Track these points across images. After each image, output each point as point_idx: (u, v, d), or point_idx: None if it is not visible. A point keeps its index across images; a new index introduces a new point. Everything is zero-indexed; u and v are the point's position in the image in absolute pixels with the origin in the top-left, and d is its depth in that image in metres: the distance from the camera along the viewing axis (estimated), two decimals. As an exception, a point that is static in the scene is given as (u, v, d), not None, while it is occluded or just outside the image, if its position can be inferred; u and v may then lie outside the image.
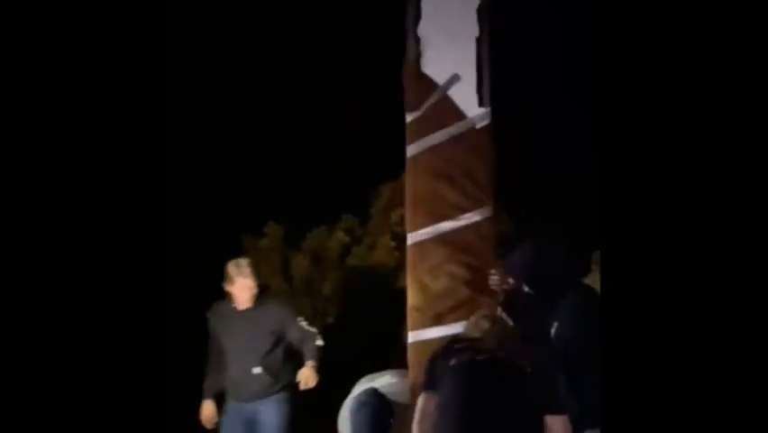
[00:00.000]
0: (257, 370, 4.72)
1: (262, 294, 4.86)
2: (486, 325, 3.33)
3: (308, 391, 4.64)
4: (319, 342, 4.73)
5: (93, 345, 2.45)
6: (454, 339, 3.40)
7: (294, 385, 4.76)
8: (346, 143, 4.80)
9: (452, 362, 3.19)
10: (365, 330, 4.47)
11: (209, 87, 4.64)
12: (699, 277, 2.40)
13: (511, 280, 3.83)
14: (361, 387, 4.31)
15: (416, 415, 3.30)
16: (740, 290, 2.37)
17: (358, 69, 4.62)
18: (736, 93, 2.43)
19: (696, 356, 2.39)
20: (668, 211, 2.46)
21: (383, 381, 4.29)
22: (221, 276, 4.72)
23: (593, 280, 5.13)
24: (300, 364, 4.70)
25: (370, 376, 4.37)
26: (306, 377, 4.64)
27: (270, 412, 4.76)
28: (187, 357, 4.77)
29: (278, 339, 4.79)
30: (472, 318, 3.44)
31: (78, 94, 2.51)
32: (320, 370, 4.56)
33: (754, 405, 2.34)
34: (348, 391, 4.25)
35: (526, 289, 3.62)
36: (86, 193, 2.49)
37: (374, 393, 4.25)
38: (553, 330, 3.54)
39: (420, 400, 3.29)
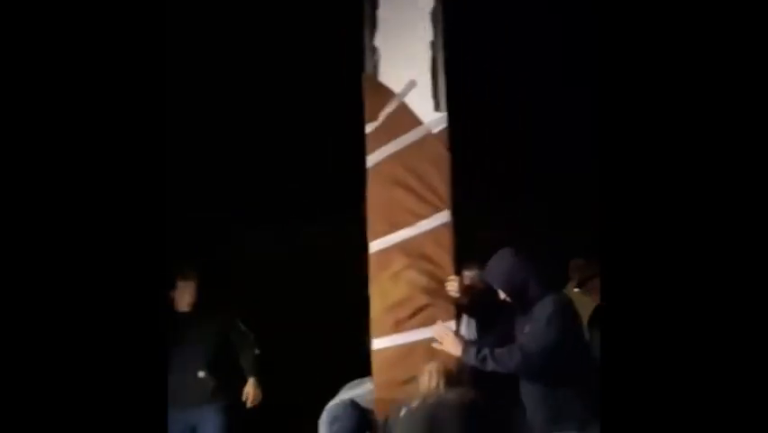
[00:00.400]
0: (201, 374, 4.64)
1: (206, 297, 4.78)
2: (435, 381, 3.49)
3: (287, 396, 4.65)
4: (256, 351, 4.67)
5: (93, 344, 2.42)
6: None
7: (238, 393, 4.71)
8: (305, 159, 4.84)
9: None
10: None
11: (209, 88, 4.62)
12: (698, 278, 2.37)
13: (468, 280, 3.88)
14: (339, 397, 4.31)
15: None
16: (739, 290, 2.34)
17: (317, 81, 4.63)
18: (731, 93, 2.40)
19: (695, 358, 2.35)
20: (663, 213, 2.43)
21: (364, 388, 4.29)
22: (220, 276, 4.72)
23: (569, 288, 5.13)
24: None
25: (353, 383, 4.36)
26: (251, 394, 4.61)
27: (210, 424, 4.65)
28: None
29: (222, 343, 4.73)
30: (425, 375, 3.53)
31: (79, 94, 2.48)
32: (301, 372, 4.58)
33: (753, 405, 2.30)
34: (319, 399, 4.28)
35: (503, 296, 3.62)
36: (86, 193, 2.46)
37: (350, 405, 4.21)
38: (524, 335, 3.54)
39: None
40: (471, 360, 3.53)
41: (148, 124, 2.59)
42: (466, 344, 3.57)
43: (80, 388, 2.39)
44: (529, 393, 3.62)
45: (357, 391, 4.26)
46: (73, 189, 2.46)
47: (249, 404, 4.63)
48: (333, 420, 4.21)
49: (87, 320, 2.42)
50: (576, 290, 4.88)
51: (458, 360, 3.58)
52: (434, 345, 3.62)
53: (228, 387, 4.67)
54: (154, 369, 2.53)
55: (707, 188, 2.40)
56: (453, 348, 3.54)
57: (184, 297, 4.69)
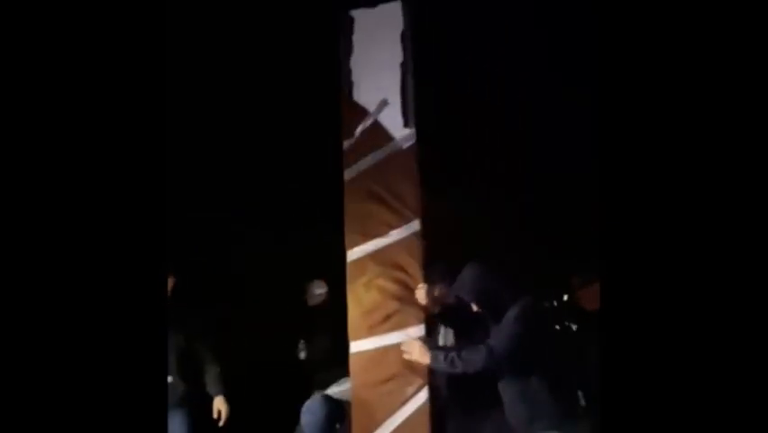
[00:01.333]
0: (169, 378, 4.55)
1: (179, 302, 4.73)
2: None
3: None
4: (217, 369, 4.64)
5: (94, 344, 2.42)
6: None
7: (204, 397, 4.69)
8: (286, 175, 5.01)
9: None
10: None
11: (209, 89, 4.73)
12: (698, 279, 2.36)
13: (437, 292, 4.02)
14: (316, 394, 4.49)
15: None
16: (740, 292, 2.33)
17: (298, 100, 4.79)
18: (730, 93, 2.38)
19: (695, 360, 2.35)
20: (662, 215, 2.42)
21: (341, 386, 4.42)
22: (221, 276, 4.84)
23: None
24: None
25: (337, 382, 4.48)
26: (222, 412, 4.59)
27: (178, 429, 4.59)
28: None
29: (190, 351, 4.70)
30: None
31: (80, 95, 2.48)
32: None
33: (752, 406, 2.30)
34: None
35: (476, 308, 3.74)
36: (87, 193, 2.46)
37: (321, 398, 4.40)
38: (492, 340, 3.67)
39: None
40: (441, 364, 3.65)
41: (148, 125, 2.58)
42: (433, 351, 3.69)
43: (80, 387, 2.40)
44: (507, 395, 3.73)
45: (331, 389, 4.45)
46: (74, 190, 2.45)
47: (221, 423, 4.60)
48: (306, 411, 4.40)
49: (88, 320, 2.42)
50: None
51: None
52: (405, 356, 3.74)
53: (197, 393, 4.64)
54: (154, 369, 2.53)
55: (707, 189, 2.38)
56: (421, 357, 3.68)
57: None
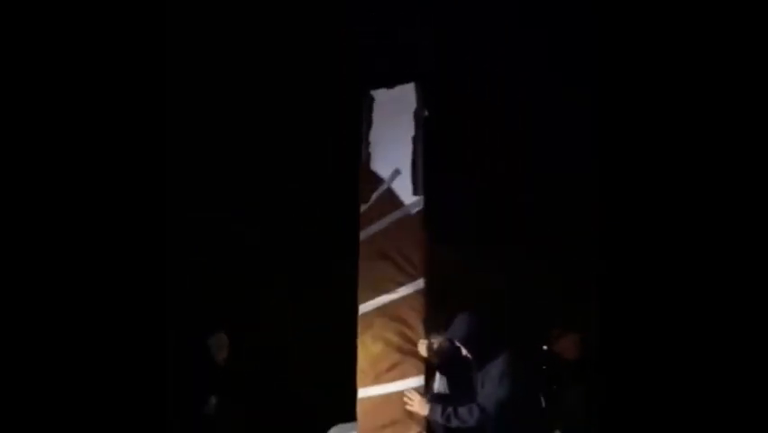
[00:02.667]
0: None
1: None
2: None
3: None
4: None
5: (95, 344, 2.40)
6: None
7: None
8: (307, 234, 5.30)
9: None
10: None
11: (210, 91, 4.97)
12: (699, 281, 2.33)
13: (437, 345, 4.23)
14: None
15: None
16: (738, 287, 2.29)
17: (322, 169, 5.16)
18: (730, 93, 2.34)
19: (695, 363, 2.32)
20: (661, 219, 2.39)
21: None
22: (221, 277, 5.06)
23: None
24: None
25: (340, 427, 4.61)
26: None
27: None
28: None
29: None
30: None
31: (81, 96, 2.47)
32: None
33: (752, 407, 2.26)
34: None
35: (465, 352, 3.96)
36: (87, 194, 2.44)
37: None
38: (481, 394, 3.87)
39: None
40: (438, 418, 3.87)
41: (148, 125, 2.57)
42: (432, 404, 3.90)
43: (81, 387, 2.39)
44: None
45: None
46: (75, 191, 2.42)
47: None
48: None
49: (89, 320, 2.40)
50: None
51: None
52: (407, 406, 3.95)
53: None
54: (155, 369, 2.52)
55: (707, 191, 2.34)
56: (421, 409, 3.91)
57: None
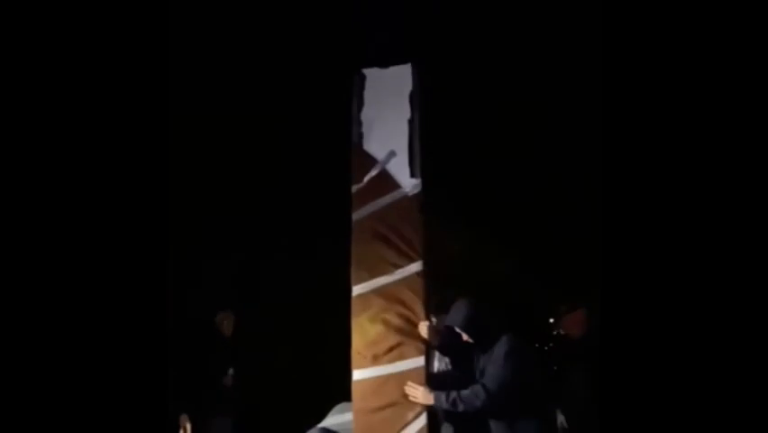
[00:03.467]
0: None
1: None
2: None
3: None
4: None
5: (96, 344, 2.37)
6: None
7: None
8: (298, 214, 5.22)
9: None
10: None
11: (200, 67, 4.85)
12: (699, 281, 2.31)
13: (438, 326, 4.23)
14: (320, 424, 4.55)
15: None
16: (738, 286, 2.27)
17: (314, 149, 5.05)
18: (731, 94, 2.31)
19: (696, 365, 2.30)
20: (663, 220, 2.36)
21: (343, 418, 4.46)
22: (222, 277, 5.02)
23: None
24: None
25: (339, 407, 4.56)
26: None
27: None
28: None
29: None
30: None
31: (84, 98, 2.43)
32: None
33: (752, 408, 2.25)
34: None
35: (466, 337, 3.98)
36: (90, 196, 2.41)
37: (320, 430, 4.53)
38: (485, 372, 3.89)
39: None
40: (443, 404, 3.87)
41: (152, 129, 2.52)
42: (436, 393, 3.89)
43: (83, 387, 2.36)
44: (495, 425, 3.92)
45: (335, 419, 4.56)
46: (77, 192, 2.39)
47: None
48: None
49: (90, 320, 2.36)
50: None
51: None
52: (411, 398, 3.92)
53: None
54: (155, 369, 2.49)
55: (709, 193, 2.32)
56: (426, 399, 3.89)
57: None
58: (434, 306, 4.18)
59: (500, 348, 3.85)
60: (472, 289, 4.04)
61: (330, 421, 4.58)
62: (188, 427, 5.19)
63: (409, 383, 3.95)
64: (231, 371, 5.36)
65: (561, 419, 4.03)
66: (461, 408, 3.79)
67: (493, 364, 3.85)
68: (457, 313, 3.97)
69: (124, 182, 2.49)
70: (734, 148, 2.32)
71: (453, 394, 3.80)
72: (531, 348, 4.15)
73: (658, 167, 2.39)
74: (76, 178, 2.41)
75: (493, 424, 3.90)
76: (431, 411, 3.99)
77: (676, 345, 2.35)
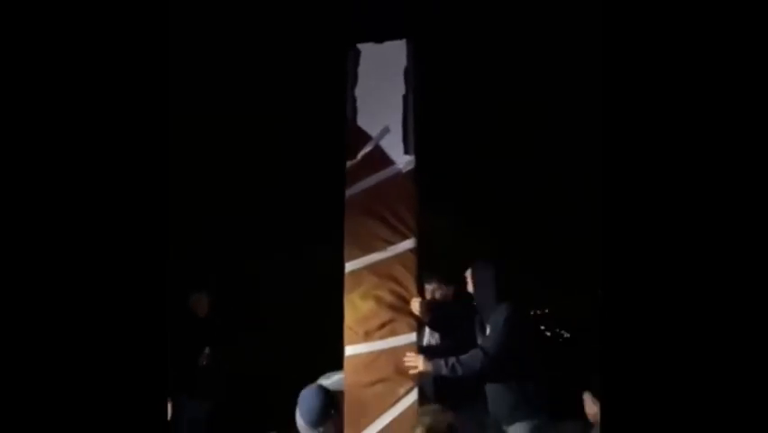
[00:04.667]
0: None
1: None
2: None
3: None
4: None
5: (96, 345, 2.33)
6: None
7: None
8: (290, 190, 5.14)
9: None
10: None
11: (225, 108, 4.80)
12: (700, 280, 2.27)
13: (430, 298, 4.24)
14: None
15: None
16: (738, 285, 2.24)
17: (307, 125, 4.96)
18: (728, 97, 2.27)
19: (696, 365, 2.26)
20: (664, 217, 2.31)
21: (337, 377, 4.45)
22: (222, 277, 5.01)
23: None
24: None
25: (329, 373, 4.59)
26: None
27: None
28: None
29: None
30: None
31: (83, 97, 2.38)
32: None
33: (752, 408, 2.21)
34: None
35: (471, 287, 4.11)
36: (90, 196, 2.37)
37: (317, 388, 4.46)
38: (484, 338, 3.96)
39: None
40: (442, 371, 3.88)
41: (152, 130, 2.47)
42: (434, 361, 3.90)
43: (83, 388, 2.31)
44: (492, 388, 4.00)
45: (329, 379, 4.57)
46: (77, 193, 2.35)
47: None
48: (302, 401, 4.50)
49: (90, 321, 2.32)
50: None
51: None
52: (410, 369, 3.91)
53: None
54: (155, 371, 2.44)
55: (709, 193, 2.28)
56: (425, 367, 3.89)
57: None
58: (430, 278, 4.18)
59: (500, 314, 3.93)
60: (465, 263, 4.00)
61: (323, 381, 4.59)
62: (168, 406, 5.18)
63: (408, 354, 3.93)
64: (207, 350, 5.38)
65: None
66: (460, 372, 3.82)
67: (493, 329, 3.92)
68: (484, 269, 4.08)
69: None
70: (734, 148, 2.29)
71: (452, 360, 3.84)
72: (528, 316, 4.18)
73: (658, 167, 2.37)
74: (75, 172, 2.37)
75: (489, 389, 3.93)
76: (422, 387, 3.97)
77: (677, 345, 2.32)
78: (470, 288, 4.19)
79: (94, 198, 2.38)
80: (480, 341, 4.01)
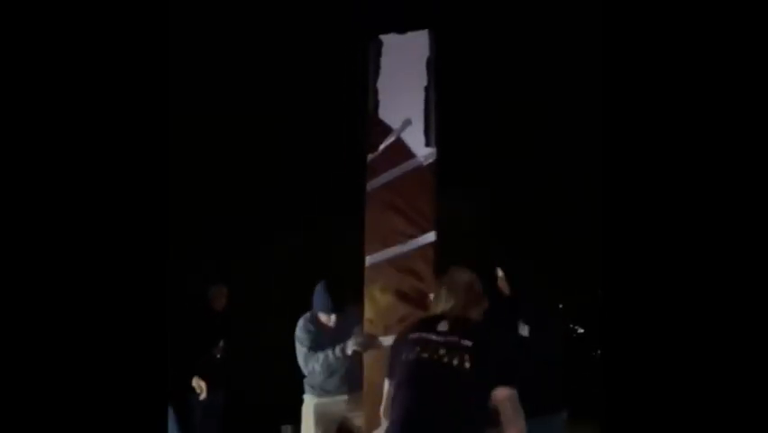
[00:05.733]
0: None
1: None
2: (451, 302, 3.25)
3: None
4: None
5: (96, 346, 2.29)
6: (414, 324, 3.34)
7: None
8: (313, 183, 5.07)
9: (403, 357, 3.16)
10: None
11: (247, 102, 4.76)
12: (701, 280, 2.23)
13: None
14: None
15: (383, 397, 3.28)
16: (743, 297, 2.20)
17: (328, 117, 4.88)
18: (728, 97, 2.23)
19: (698, 362, 2.22)
20: (665, 217, 2.27)
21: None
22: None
23: None
24: None
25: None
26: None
27: None
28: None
29: None
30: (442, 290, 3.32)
31: (83, 97, 2.34)
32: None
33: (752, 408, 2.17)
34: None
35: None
36: (89, 196, 2.32)
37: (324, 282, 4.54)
38: (526, 328, 3.82)
39: (384, 385, 3.28)
40: None
41: (152, 128, 2.42)
42: None
43: (83, 389, 2.26)
44: None
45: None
46: (76, 193, 2.31)
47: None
48: (316, 297, 4.50)
49: (90, 321, 2.28)
50: None
51: None
52: None
53: None
54: (155, 371, 2.39)
55: (710, 194, 2.24)
56: None
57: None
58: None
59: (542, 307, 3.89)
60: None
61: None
62: (203, 385, 5.23)
63: None
64: (221, 343, 5.42)
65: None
66: None
67: (537, 323, 3.81)
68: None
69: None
70: (734, 148, 2.24)
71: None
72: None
73: (658, 166, 2.31)
74: (75, 171, 2.31)
75: None
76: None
77: (678, 344, 2.27)
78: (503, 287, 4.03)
79: (94, 198, 2.34)
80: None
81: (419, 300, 3.94)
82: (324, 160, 5.05)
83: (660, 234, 2.29)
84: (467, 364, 3.00)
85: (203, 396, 5.18)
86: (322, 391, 4.55)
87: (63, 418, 2.25)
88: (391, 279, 4.02)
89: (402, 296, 3.98)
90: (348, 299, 4.32)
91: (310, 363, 4.42)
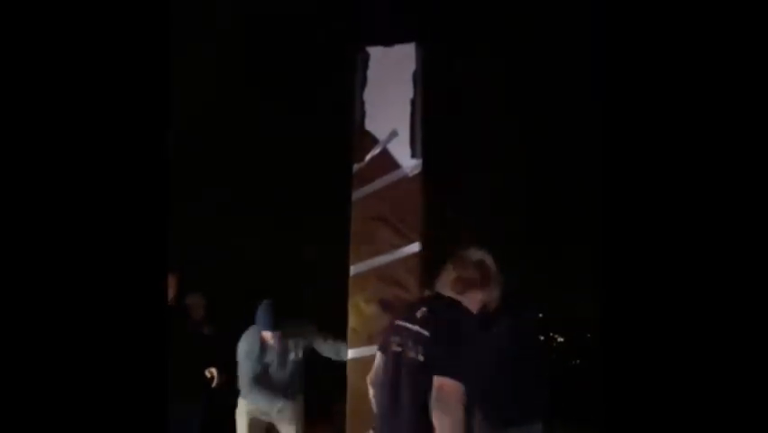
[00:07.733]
0: None
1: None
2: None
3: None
4: None
5: (95, 346, 2.25)
6: (408, 305, 3.32)
7: None
8: (298, 192, 5.04)
9: (389, 340, 3.11)
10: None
11: (234, 111, 4.73)
12: (702, 279, 2.19)
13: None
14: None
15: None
16: (744, 297, 2.15)
17: (315, 128, 4.87)
18: (728, 97, 2.20)
19: (699, 363, 2.18)
20: (665, 217, 2.23)
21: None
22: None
23: None
24: None
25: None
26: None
27: None
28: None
29: None
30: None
31: (83, 96, 2.30)
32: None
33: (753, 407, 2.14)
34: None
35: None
36: (89, 196, 2.28)
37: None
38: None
39: (376, 356, 3.27)
40: None
41: (153, 127, 2.38)
42: None
43: (82, 390, 2.23)
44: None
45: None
46: (76, 193, 2.27)
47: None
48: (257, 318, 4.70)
49: (90, 322, 2.24)
50: None
51: None
52: None
53: None
54: (155, 371, 2.36)
55: (710, 194, 2.21)
56: None
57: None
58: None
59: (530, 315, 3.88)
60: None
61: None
62: (214, 372, 5.23)
63: None
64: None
65: None
66: None
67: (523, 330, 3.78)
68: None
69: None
70: (734, 148, 2.20)
71: None
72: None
73: (659, 166, 2.27)
74: (76, 170, 2.27)
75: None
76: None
77: (678, 344, 2.22)
78: None
79: (95, 197, 2.30)
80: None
81: (404, 311, 3.90)
82: (310, 169, 5.02)
83: (659, 243, 2.25)
84: (421, 357, 2.89)
85: (215, 383, 5.22)
86: (252, 400, 4.87)
87: (64, 417, 2.22)
88: (376, 288, 4.00)
89: (386, 306, 3.95)
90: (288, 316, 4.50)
91: (247, 374, 4.80)
